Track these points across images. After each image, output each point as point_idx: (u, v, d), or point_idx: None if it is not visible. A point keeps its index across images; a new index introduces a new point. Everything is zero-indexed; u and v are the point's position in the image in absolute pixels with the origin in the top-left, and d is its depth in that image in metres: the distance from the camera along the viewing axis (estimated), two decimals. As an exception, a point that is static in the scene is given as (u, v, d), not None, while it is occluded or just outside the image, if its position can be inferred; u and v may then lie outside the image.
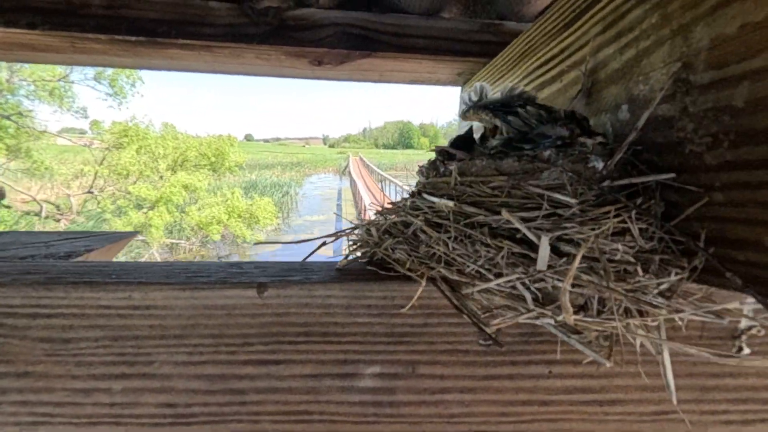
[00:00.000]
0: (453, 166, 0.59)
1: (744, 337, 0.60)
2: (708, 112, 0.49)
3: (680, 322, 0.56)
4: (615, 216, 0.49)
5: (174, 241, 15.60)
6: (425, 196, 0.58)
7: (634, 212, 0.49)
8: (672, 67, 0.53)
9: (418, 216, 0.58)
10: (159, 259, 13.93)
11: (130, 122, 14.76)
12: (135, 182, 14.87)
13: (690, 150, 0.51)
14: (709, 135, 0.48)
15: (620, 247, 0.47)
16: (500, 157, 0.54)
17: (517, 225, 0.46)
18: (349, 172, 39.15)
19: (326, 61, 1.22)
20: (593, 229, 0.47)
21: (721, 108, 0.47)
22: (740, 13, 0.45)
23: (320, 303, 0.54)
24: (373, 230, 0.66)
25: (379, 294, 0.55)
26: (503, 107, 0.62)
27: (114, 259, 0.92)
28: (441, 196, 0.59)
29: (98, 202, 15.17)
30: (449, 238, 0.51)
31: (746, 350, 0.61)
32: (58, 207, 15.52)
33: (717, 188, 0.47)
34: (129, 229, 12.85)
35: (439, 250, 0.52)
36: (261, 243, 0.67)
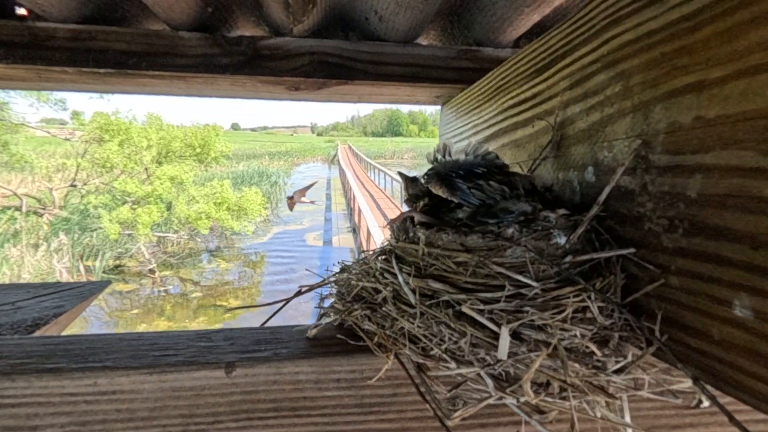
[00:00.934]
0: (420, 235, 0.59)
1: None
2: (665, 195, 0.50)
3: (644, 376, 0.58)
4: (576, 296, 0.51)
5: (162, 234, 15.43)
6: (395, 268, 0.58)
7: (593, 294, 0.50)
8: (633, 142, 0.54)
9: (387, 286, 0.59)
10: (146, 254, 13.78)
11: (112, 116, 14.40)
12: (120, 175, 14.59)
13: (649, 228, 0.52)
14: (666, 218, 0.50)
15: (579, 333, 0.48)
16: (465, 232, 0.55)
17: (478, 318, 0.47)
18: (338, 161, 38.94)
19: (303, 88, 1.20)
20: (554, 315, 0.48)
21: (676, 194, 0.48)
22: (695, 105, 0.46)
23: (289, 379, 0.55)
24: (344, 290, 0.66)
25: (347, 368, 0.56)
26: (464, 176, 0.62)
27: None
28: (410, 265, 0.60)
29: (82, 196, 14.88)
30: (415, 317, 0.52)
31: (705, 403, 0.64)
32: (39, 201, 15.18)
33: (673, 272, 0.49)
34: (116, 226, 12.64)
35: (405, 325, 0.53)
36: (234, 309, 0.66)
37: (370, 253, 0.77)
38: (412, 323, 0.52)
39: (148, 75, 1.08)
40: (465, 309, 0.47)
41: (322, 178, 35.65)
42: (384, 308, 0.58)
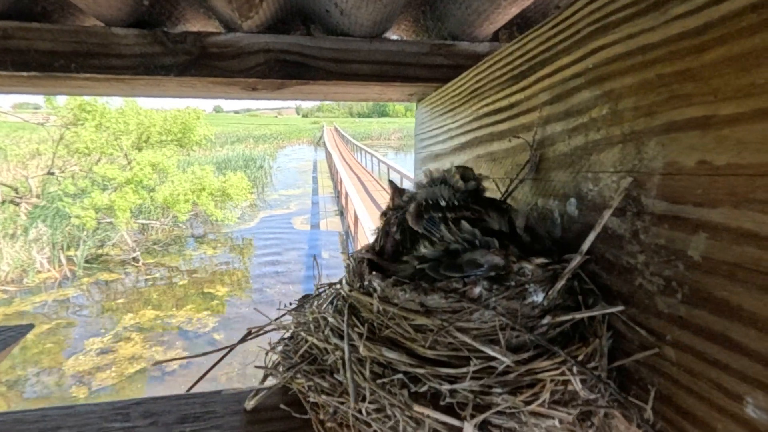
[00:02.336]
0: (376, 286, 0.50)
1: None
2: (661, 249, 0.41)
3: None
4: (555, 369, 0.42)
5: (145, 221, 15.10)
6: (345, 330, 0.49)
7: (575, 367, 0.42)
8: (623, 180, 0.45)
9: (337, 349, 0.50)
10: (130, 242, 13.49)
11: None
12: (98, 161, 14.12)
13: (641, 284, 0.44)
14: (662, 277, 0.41)
15: (558, 420, 0.40)
16: (425, 289, 0.46)
17: (439, 417, 0.39)
18: (324, 143, 38.37)
19: (261, 88, 1.08)
20: (528, 399, 0.40)
21: (675, 251, 0.40)
22: (699, 146, 0.37)
23: (219, 470, 0.46)
24: (291, 345, 0.57)
25: (290, 452, 0.48)
26: (438, 206, 0.53)
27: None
28: (363, 323, 0.51)
29: (59, 183, 14.40)
30: (364, 399, 0.43)
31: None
32: (16, 190, 14.67)
33: (669, 343, 0.41)
34: (91, 212, 12.27)
35: (353, 407, 0.45)
36: (159, 363, 0.58)
37: (328, 290, 0.68)
38: (361, 409, 0.44)
39: (81, 77, 0.95)
40: (420, 408, 0.39)
41: (308, 160, 35.16)
42: (335, 376, 0.49)
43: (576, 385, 0.42)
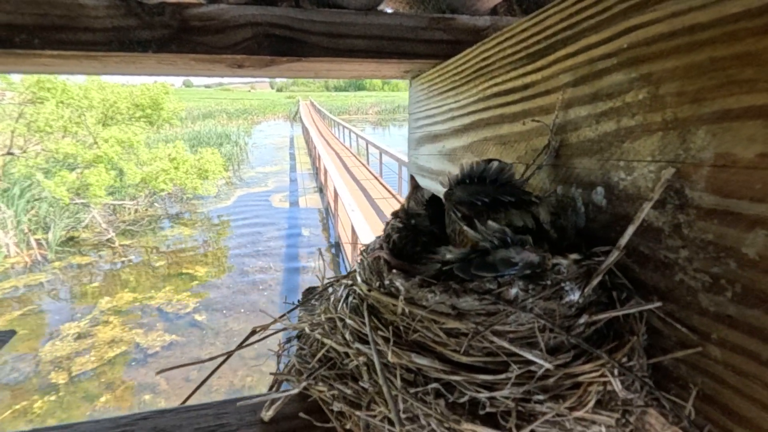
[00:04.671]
0: (400, 287, 0.47)
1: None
2: (708, 245, 0.39)
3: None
4: (596, 371, 0.41)
5: (118, 202, 14.55)
6: (368, 335, 0.46)
7: (616, 370, 0.40)
8: (664, 171, 0.43)
9: (360, 355, 0.47)
10: (102, 224, 13.01)
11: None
12: (63, 138, 13.38)
13: (681, 279, 0.42)
14: (708, 274, 0.39)
15: (603, 429, 0.39)
16: (456, 290, 0.43)
17: None
18: (300, 118, 37.45)
19: (248, 65, 1.01)
20: (572, 406, 0.38)
21: (725, 248, 0.38)
22: (761, 138, 0.34)
23: (241, 488, 0.43)
24: (307, 347, 0.54)
25: (315, 464, 0.45)
26: (490, 205, 0.49)
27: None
28: (387, 325, 0.48)
29: (24, 162, 13.61)
30: (397, 410, 0.41)
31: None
32: (-28, 172, 13.82)
33: (714, 342, 0.39)
34: (62, 189, 11.71)
35: (386, 413, 0.42)
36: (164, 371, 0.54)
37: (336, 285, 0.64)
38: (393, 422, 0.41)
39: (46, 54, 0.85)
40: (463, 426, 0.36)
41: (284, 136, 34.34)
42: (359, 383, 0.46)
43: (616, 386, 0.41)
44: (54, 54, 0.85)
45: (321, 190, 15.33)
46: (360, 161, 17.85)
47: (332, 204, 11.60)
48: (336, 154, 19.39)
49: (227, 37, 0.91)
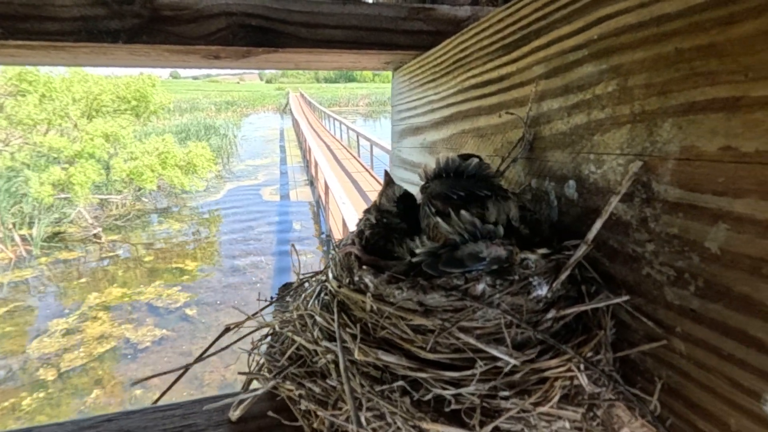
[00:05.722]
0: (368, 283, 0.46)
1: None
2: (673, 239, 0.39)
3: None
4: (562, 366, 0.41)
5: (104, 196, 14.30)
6: (336, 332, 0.46)
7: (582, 364, 0.40)
8: (632, 164, 0.42)
9: (327, 352, 0.46)
10: (89, 219, 12.81)
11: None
12: (46, 133, 13.08)
13: (648, 273, 0.42)
14: (673, 268, 0.39)
15: (567, 425, 0.38)
16: (423, 286, 0.43)
17: (448, 431, 0.36)
18: (290, 110, 37.07)
19: (224, 56, 0.98)
20: (537, 401, 0.38)
21: (689, 242, 0.37)
22: (723, 131, 0.34)
23: (206, 489, 0.42)
24: (277, 346, 0.53)
25: (282, 464, 0.44)
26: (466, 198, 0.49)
27: None
28: (356, 322, 0.47)
29: (9, 156, 13.29)
30: (361, 407, 0.40)
31: None
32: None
33: (679, 335, 0.39)
34: (47, 188, 11.50)
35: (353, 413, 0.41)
36: (139, 381, 0.53)
37: (311, 281, 0.64)
38: (361, 411, 0.41)
39: (11, 45, 0.82)
40: (426, 426, 0.36)
41: (274, 129, 34.00)
42: (327, 381, 0.46)
43: (582, 380, 0.41)
44: (20, 44, 0.82)
45: (312, 182, 15.25)
46: (351, 153, 17.77)
47: (323, 197, 11.55)
48: (327, 147, 19.27)
49: (201, 27, 0.88)
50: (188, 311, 8.57)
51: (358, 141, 17.91)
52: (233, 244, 11.81)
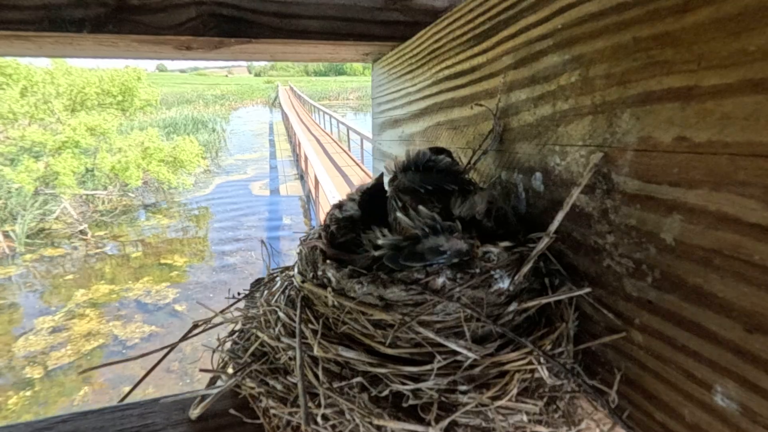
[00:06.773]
0: (331, 277, 0.46)
1: None
2: (632, 230, 0.39)
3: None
4: (522, 359, 0.40)
5: (90, 192, 14.05)
6: (297, 327, 0.45)
7: (542, 357, 0.40)
8: (593, 155, 0.42)
9: (289, 348, 0.45)
10: (74, 214, 12.60)
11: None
12: (28, 125, 12.77)
13: (609, 265, 0.42)
14: (631, 259, 0.39)
15: (525, 414, 0.38)
16: (384, 280, 0.42)
17: (403, 427, 0.36)
18: (280, 104, 36.70)
19: (196, 47, 0.96)
20: (496, 395, 0.38)
21: (646, 233, 0.37)
22: (678, 121, 0.33)
23: (163, 489, 0.42)
24: (241, 343, 0.52)
25: (242, 462, 0.44)
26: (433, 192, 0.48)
27: None
28: (318, 318, 0.46)
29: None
30: (320, 405, 0.40)
31: None
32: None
33: (637, 327, 0.39)
34: (28, 179, 11.25)
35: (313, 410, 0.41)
36: (87, 371, 0.51)
37: (281, 276, 0.63)
38: (320, 408, 0.40)
39: (-29, 36, 0.79)
40: (378, 422, 0.35)
41: (263, 122, 33.66)
42: (288, 378, 0.45)
43: (543, 373, 0.40)
44: (-21, 34, 0.79)
45: (302, 177, 15.15)
46: (341, 147, 17.67)
47: (313, 191, 11.48)
48: (317, 141, 19.14)
49: (170, 17, 0.86)
50: (177, 307, 8.51)
51: (348, 135, 17.82)
52: (223, 240, 11.71)
